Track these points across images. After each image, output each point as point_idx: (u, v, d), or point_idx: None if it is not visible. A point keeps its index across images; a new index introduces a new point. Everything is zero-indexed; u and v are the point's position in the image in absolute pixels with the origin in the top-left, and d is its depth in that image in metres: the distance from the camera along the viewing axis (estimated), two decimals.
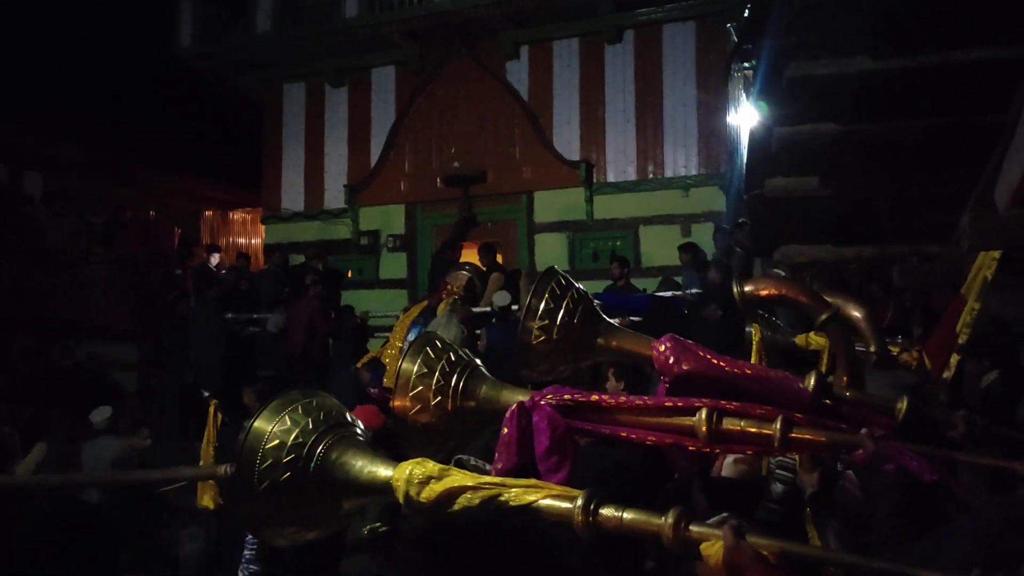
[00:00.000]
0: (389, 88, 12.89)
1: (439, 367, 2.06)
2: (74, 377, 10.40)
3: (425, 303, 9.28)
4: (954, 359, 3.45)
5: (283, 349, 9.87)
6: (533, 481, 1.66)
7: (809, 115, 5.24)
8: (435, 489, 1.65)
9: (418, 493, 1.67)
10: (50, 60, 12.76)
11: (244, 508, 1.71)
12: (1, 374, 10.00)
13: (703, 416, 1.81)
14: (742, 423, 1.81)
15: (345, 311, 10.46)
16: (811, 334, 3.14)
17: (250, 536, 3.75)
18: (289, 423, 1.75)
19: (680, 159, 11.50)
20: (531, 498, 1.57)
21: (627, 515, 1.54)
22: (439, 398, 2.03)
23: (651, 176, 11.60)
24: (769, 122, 5.80)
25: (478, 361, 2.16)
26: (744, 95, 7.93)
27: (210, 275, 11.60)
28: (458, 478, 1.67)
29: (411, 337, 8.21)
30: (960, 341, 3.46)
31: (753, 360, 3.01)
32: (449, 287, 9.46)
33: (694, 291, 9.27)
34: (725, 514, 1.56)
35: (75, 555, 1.64)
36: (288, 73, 13.29)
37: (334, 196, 13.03)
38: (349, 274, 12.03)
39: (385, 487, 1.70)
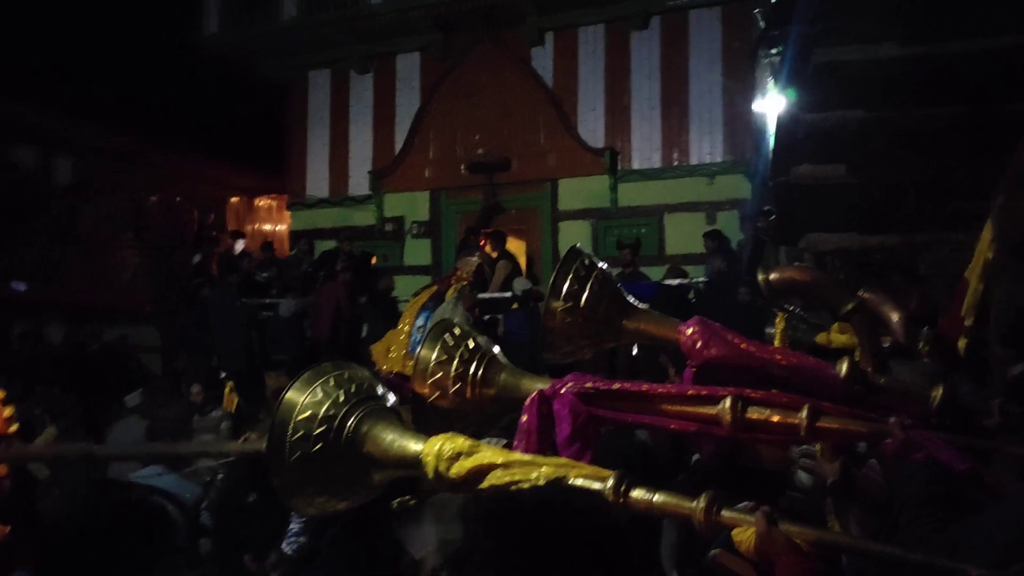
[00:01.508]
0: (414, 74, 12.89)
1: (458, 354, 2.07)
2: (101, 360, 10.57)
3: (435, 288, 9.32)
4: (962, 342, 3.40)
5: (298, 333, 9.96)
6: (564, 460, 1.67)
7: (836, 102, 5.17)
8: (465, 465, 1.67)
9: (448, 469, 1.69)
10: (79, 47, 12.89)
11: (276, 478, 1.74)
12: (33, 357, 10.18)
13: (727, 405, 1.81)
14: (767, 412, 1.81)
15: (377, 274, 10.53)
16: (833, 332, 3.11)
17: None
18: (321, 395, 1.77)
19: (705, 146, 11.41)
20: (561, 477, 1.59)
21: (658, 497, 1.55)
22: (458, 385, 2.05)
23: (676, 163, 11.53)
24: (796, 109, 5.74)
25: (497, 348, 2.17)
26: (771, 82, 7.85)
27: (233, 261, 11.72)
28: (488, 455, 1.68)
29: (420, 322, 8.28)
30: (967, 324, 3.41)
31: (777, 345, 3.00)
32: (458, 273, 9.51)
33: (701, 279, 9.29)
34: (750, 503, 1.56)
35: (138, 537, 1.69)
36: (313, 60, 13.33)
37: (359, 183, 13.08)
38: (374, 260, 12.10)
39: (415, 461, 1.72)
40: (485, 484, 1.65)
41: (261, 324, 10.53)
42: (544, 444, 1.91)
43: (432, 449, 1.71)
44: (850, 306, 2.43)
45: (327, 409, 1.76)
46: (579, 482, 1.58)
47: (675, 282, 9.57)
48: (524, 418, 1.96)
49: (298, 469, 1.73)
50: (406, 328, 8.44)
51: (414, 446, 1.75)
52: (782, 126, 6.42)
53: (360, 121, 13.18)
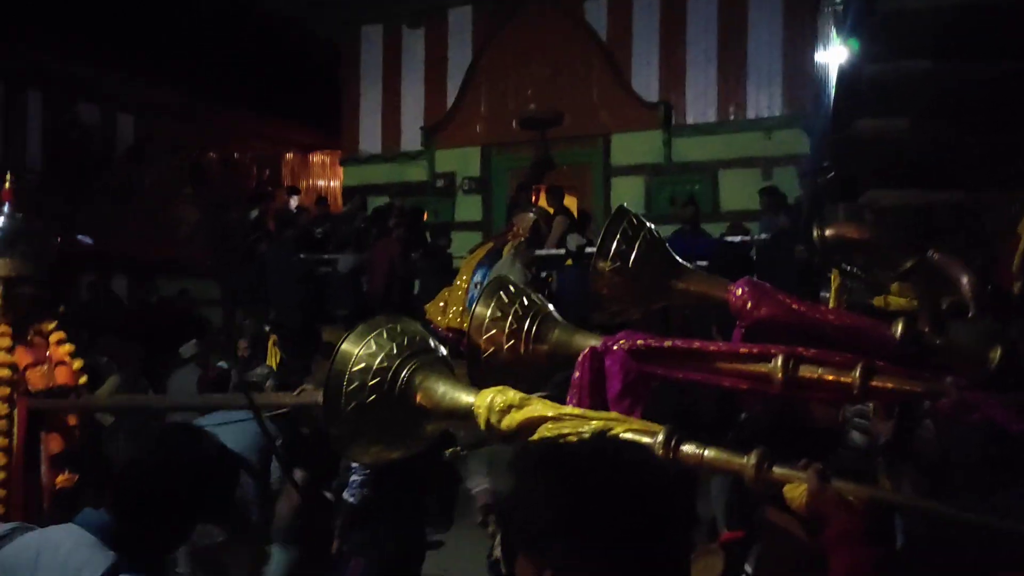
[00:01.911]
0: (466, 29, 12.78)
1: (512, 311, 2.09)
2: (163, 312, 10.91)
3: (491, 244, 9.32)
4: (1016, 285, 3.30)
5: (355, 289, 10.10)
6: (614, 414, 1.69)
7: (902, 52, 4.99)
8: (516, 418, 1.70)
9: (499, 421, 1.72)
10: (137, 6, 13.09)
11: (332, 428, 1.80)
12: (100, 308, 10.55)
13: (779, 363, 1.80)
14: (820, 370, 1.79)
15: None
16: (890, 296, 3.05)
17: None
18: (375, 347, 1.82)
19: (763, 100, 11.13)
20: (611, 430, 1.61)
21: (708, 453, 1.56)
22: (512, 341, 2.07)
23: (732, 118, 11.29)
24: (859, 60, 5.56)
25: (551, 306, 2.19)
26: (833, 31, 7.60)
27: (290, 217, 11.90)
28: (539, 408, 1.71)
29: (477, 279, 8.30)
30: (1018, 282, 3.31)
31: (832, 304, 2.96)
32: (515, 229, 9.48)
33: (763, 236, 9.09)
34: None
35: (207, 478, 1.77)
36: (366, 15, 13.31)
37: (411, 138, 13.11)
38: (425, 216, 12.18)
39: (467, 413, 1.76)
40: (536, 436, 1.69)
41: (319, 280, 10.68)
42: (596, 400, 1.93)
43: (484, 401, 1.75)
44: (909, 264, 2.38)
45: (381, 361, 1.80)
46: (629, 436, 1.60)
47: (736, 239, 9.41)
48: (576, 374, 1.98)
49: (353, 419, 1.78)
50: (463, 284, 8.48)
51: (466, 398, 1.79)
52: (844, 78, 6.23)
53: (412, 77, 13.17)
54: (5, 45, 11.67)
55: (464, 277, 8.61)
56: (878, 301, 3.12)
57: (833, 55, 7.36)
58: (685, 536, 1.12)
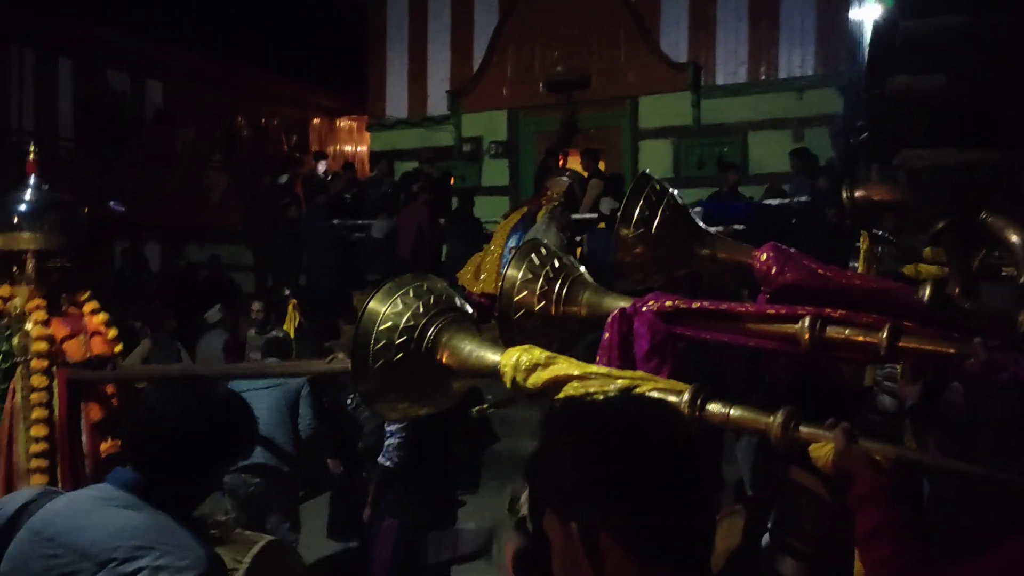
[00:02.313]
0: None
1: (543, 273, 2.10)
2: (195, 277, 11.05)
3: (525, 209, 9.28)
4: None
5: (388, 254, 10.15)
6: (640, 373, 1.70)
7: (939, 7, 4.87)
8: (542, 376, 1.72)
9: (525, 379, 1.74)
10: None
11: (360, 384, 1.83)
12: (133, 274, 10.72)
13: (806, 324, 1.79)
14: (847, 331, 1.78)
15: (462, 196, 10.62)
16: (921, 265, 3.00)
17: (395, 425, 4.01)
18: (401, 306, 1.83)
19: (795, 59, 10.90)
20: (637, 389, 1.62)
21: (734, 411, 1.56)
22: (543, 303, 2.08)
23: (763, 78, 11.07)
24: (895, 15, 5.43)
25: (582, 268, 2.19)
26: None
27: (319, 181, 11.94)
28: (564, 366, 1.73)
29: (511, 243, 8.27)
30: None
31: (861, 269, 2.92)
32: (549, 193, 9.42)
33: (802, 199, 8.93)
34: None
35: (225, 432, 1.80)
36: None
37: (437, 103, 13.05)
38: (452, 181, 12.15)
39: (493, 371, 1.78)
40: (561, 395, 1.70)
41: (352, 245, 10.75)
42: (624, 361, 1.94)
43: (510, 360, 1.76)
44: (941, 225, 2.34)
45: (407, 319, 1.82)
46: (655, 395, 1.61)
47: (775, 202, 9.28)
48: (606, 335, 1.99)
49: (381, 377, 1.81)
50: (497, 250, 8.48)
51: (492, 356, 1.81)
52: (878, 34, 6.09)
53: (438, 40, 13.06)
54: (35, 13, 11.76)
55: (498, 242, 8.60)
56: (908, 270, 3.06)
57: (868, 11, 7.19)
58: (709, 495, 1.13)
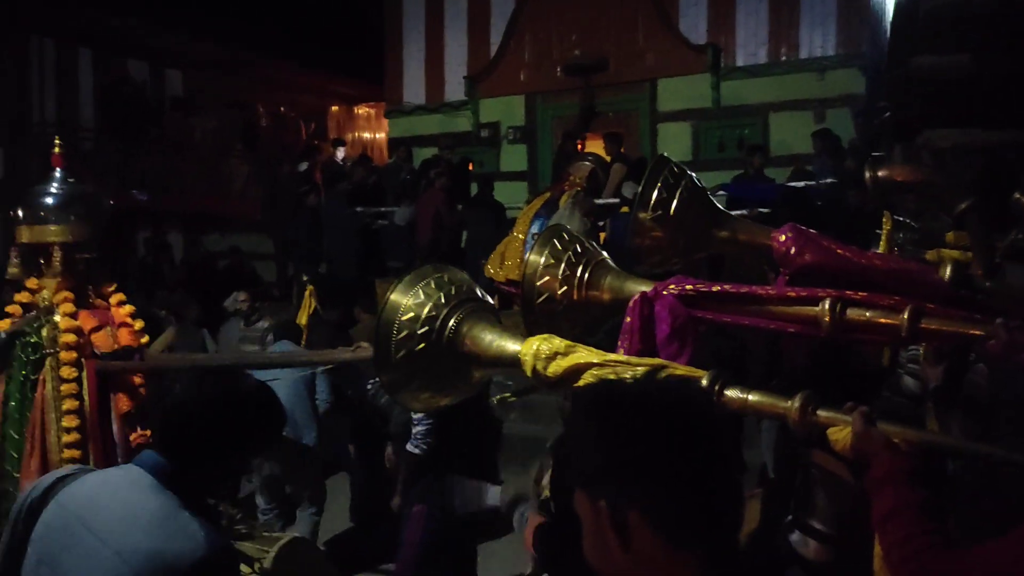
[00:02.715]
0: None
1: (565, 258, 2.10)
2: (212, 267, 11.14)
3: (548, 195, 9.23)
4: None
5: (410, 241, 10.16)
6: (658, 360, 1.71)
7: None
8: (562, 364, 1.73)
9: (545, 368, 1.75)
10: None
11: (383, 374, 1.85)
12: (156, 262, 10.83)
13: (826, 306, 1.79)
14: (868, 313, 1.77)
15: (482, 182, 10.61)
16: (943, 250, 2.97)
17: (422, 414, 4.04)
18: (423, 296, 1.85)
19: (816, 39, 10.77)
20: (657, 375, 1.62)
21: (752, 396, 1.57)
22: (565, 288, 2.08)
23: (784, 59, 10.95)
24: None
25: (604, 253, 2.19)
26: None
27: (339, 169, 11.98)
28: (583, 354, 1.74)
29: (534, 229, 8.24)
30: None
31: (882, 249, 2.90)
32: (572, 178, 9.36)
33: (828, 180, 8.83)
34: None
35: (256, 421, 1.83)
36: None
37: (454, 88, 13.02)
38: (471, 166, 12.14)
39: (513, 360, 1.79)
40: (581, 383, 1.71)
41: (374, 232, 10.77)
42: (646, 344, 1.95)
43: (530, 349, 1.78)
44: (964, 205, 2.32)
45: (429, 310, 1.84)
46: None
47: (800, 184, 9.19)
48: (627, 319, 1.99)
49: (403, 366, 1.83)
50: (521, 236, 8.46)
51: (512, 346, 1.82)
52: (901, 12, 6.00)
53: (455, 26, 13.02)
54: (55, 3, 11.85)
55: (521, 229, 8.57)
56: (931, 255, 3.03)
57: None
58: (735, 477, 1.14)
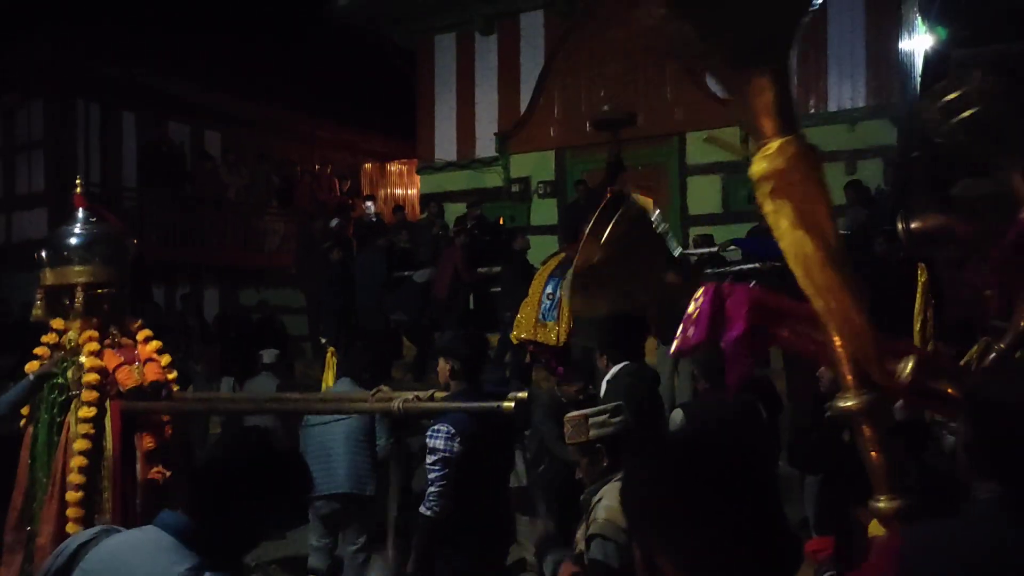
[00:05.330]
0: (538, 33, 12.83)
1: None
2: (241, 321, 11.26)
3: (562, 255, 9.19)
4: None
5: (418, 296, 10.25)
6: None
7: (989, 35, 4.79)
8: None
9: None
10: (222, 26, 13.62)
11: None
12: (193, 317, 10.98)
13: (910, 365, 1.76)
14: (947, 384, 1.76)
15: (510, 234, 10.68)
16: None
17: (435, 471, 3.88)
18: None
19: (846, 91, 10.79)
20: None
21: None
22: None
23: (814, 111, 10.96)
24: (947, 45, 5.36)
25: None
26: (919, 17, 7.33)
27: (369, 223, 12.13)
28: None
29: (548, 289, 8.19)
30: None
31: (918, 302, 2.84)
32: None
33: (842, 232, 8.74)
34: None
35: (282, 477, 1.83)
36: (439, 24, 13.48)
37: (485, 144, 13.22)
38: (501, 221, 12.23)
39: None
40: None
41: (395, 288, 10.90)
42: (713, 332, 1.96)
43: None
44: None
45: None
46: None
47: None
48: (700, 300, 2.00)
49: None
50: (534, 296, 8.43)
51: None
52: (930, 65, 6.01)
53: (485, 83, 13.28)
54: (102, 68, 12.30)
55: (536, 289, 8.54)
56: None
57: (919, 42, 7.10)
58: (764, 533, 1.12)
